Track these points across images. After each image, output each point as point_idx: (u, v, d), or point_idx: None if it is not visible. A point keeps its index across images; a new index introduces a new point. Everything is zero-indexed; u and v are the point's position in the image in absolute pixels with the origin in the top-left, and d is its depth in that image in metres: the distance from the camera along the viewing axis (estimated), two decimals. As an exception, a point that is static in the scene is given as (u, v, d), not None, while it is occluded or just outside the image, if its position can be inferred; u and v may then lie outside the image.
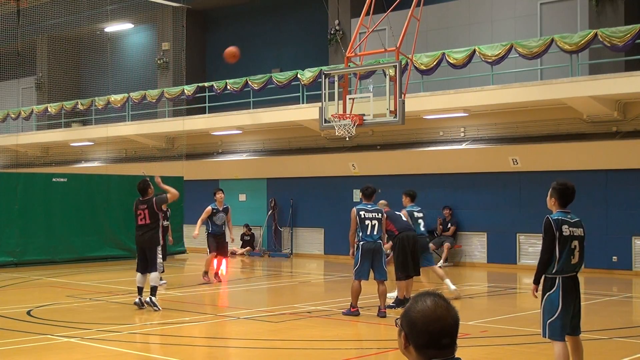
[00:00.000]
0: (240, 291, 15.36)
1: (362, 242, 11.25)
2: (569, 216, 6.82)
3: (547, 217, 6.78)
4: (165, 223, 14.74)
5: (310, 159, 21.86)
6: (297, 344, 9.76)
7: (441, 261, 18.95)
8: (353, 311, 11.32)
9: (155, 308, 11.72)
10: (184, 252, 22.80)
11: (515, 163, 18.29)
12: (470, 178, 19.41)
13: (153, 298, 11.81)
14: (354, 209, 11.38)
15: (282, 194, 22.97)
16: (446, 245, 18.98)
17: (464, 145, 19.20)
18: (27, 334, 10.03)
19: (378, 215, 11.36)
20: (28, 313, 11.56)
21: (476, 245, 19.40)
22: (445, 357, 2.70)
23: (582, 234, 6.87)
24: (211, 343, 9.87)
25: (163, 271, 12.29)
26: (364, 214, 11.26)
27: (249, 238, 23.23)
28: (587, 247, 19.22)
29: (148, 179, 12.38)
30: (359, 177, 21.24)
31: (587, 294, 14.78)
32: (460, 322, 2.76)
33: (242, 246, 23.28)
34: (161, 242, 12.14)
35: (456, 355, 2.74)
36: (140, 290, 11.91)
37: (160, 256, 12.08)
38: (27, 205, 19.30)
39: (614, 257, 17.22)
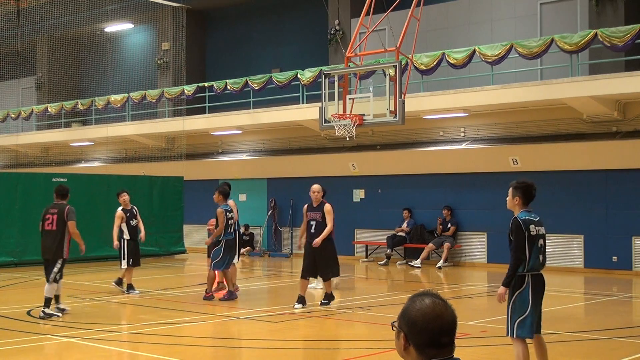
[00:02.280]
0: (240, 291, 15.35)
1: (227, 238, 12.88)
2: (532, 215, 6.94)
3: (515, 217, 6.89)
4: (134, 222, 14.17)
5: (310, 159, 21.85)
6: (297, 344, 9.76)
7: (441, 261, 18.95)
8: (208, 296, 13.07)
9: (54, 318, 11.01)
10: (183, 252, 22.81)
11: (515, 163, 18.29)
12: (470, 178, 19.41)
13: (47, 310, 11.08)
14: (221, 209, 12.94)
15: (282, 194, 22.97)
16: (446, 245, 18.98)
17: (464, 145, 19.20)
18: (27, 334, 10.03)
19: (233, 215, 13.14)
20: (28, 313, 11.55)
21: (476, 245, 19.39)
22: (444, 356, 2.70)
23: (545, 232, 7.02)
24: (211, 343, 9.86)
25: (58, 281, 11.19)
26: (229, 214, 12.99)
27: (248, 238, 23.22)
28: (587, 247, 19.14)
29: (68, 187, 11.79)
30: (359, 177, 21.25)
31: (587, 294, 14.79)
32: (459, 322, 2.76)
33: (242, 246, 23.27)
34: (65, 255, 11.16)
35: (455, 355, 2.74)
36: (56, 298, 11.32)
37: (58, 267, 11.11)
38: (27, 205, 19.28)
39: (614, 257, 17.21)
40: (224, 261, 12.97)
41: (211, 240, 13.04)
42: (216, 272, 13.24)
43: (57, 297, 11.40)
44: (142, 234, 14.42)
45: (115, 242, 13.92)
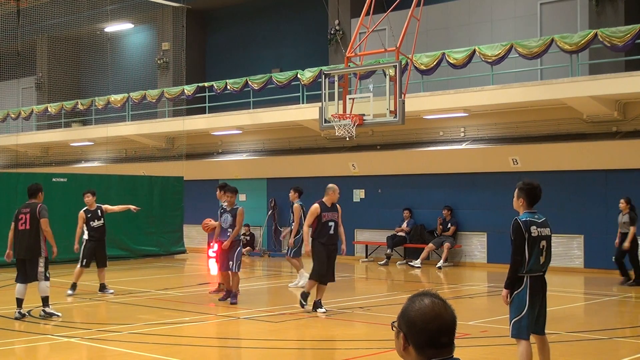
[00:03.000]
0: (240, 291, 15.34)
1: (239, 238, 12.73)
2: (536, 216, 6.90)
3: (516, 218, 6.86)
4: (96, 223, 13.85)
5: (310, 159, 21.85)
6: (297, 344, 9.76)
7: (441, 261, 18.95)
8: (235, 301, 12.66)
9: (54, 317, 11.02)
10: (184, 252, 22.81)
11: (515, 163, 18.29)
12: (470, 178, 19.40)
13: (47, 309, 11.07)
14: (242, 208, 12.82)
15: (282, 194, 22.95)
16: (446, 245, 18.98)
17: (464, 145, 19.20)
18: (27, 334, 10.03)
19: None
20: (28, 313, 11.55)
21: (476, 245, 19.39)
22: (444, 356, 2.70)
23: (549, 234, 6.97)
24: (211, 343, 9.87)
25: (49, 278, 11.18)
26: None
27: (248, 238, 23.23)
28: (587, 247, 19.00)
29: (41, 185, 11.68)
30: (359, 177, 21.25)
31: (587, 294, 14.80)
32: (458, 322, 2.76)
33: (242, 246, 23.31)
34: (44, 252, 11.11)
35: (455, 355, 2.74)
36: (19, 302, 11.04)
37: (42, 265, 11.04)
38: (27, 205, 19.25)
39: (614, 257, 17.19)
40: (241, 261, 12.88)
41: (229, 243, 12.54)
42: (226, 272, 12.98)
43: (20, 301, 11.08)
44: (132, 207, 15.20)
45: (76, 246, 13.71)
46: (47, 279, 11.11)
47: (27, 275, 11.08)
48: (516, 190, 6.99)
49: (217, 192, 13.91)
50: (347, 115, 13.65)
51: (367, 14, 14.59)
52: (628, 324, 10.90)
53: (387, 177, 20.78)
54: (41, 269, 11.05)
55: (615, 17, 17.60)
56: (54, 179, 20.23)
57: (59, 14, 26.61)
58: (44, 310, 11.11)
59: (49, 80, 30.81)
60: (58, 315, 11.09)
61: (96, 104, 26.28)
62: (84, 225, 13.85)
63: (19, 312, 11.06)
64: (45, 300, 11.10)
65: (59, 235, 19.48)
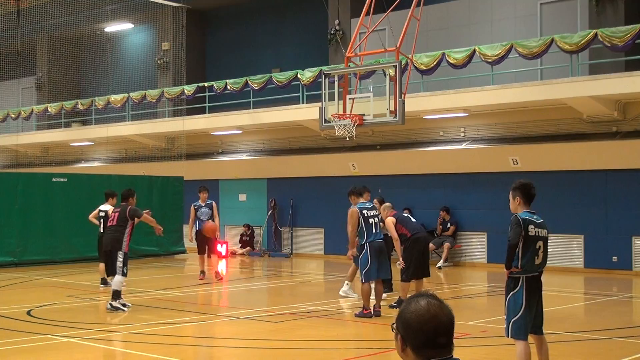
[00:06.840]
0: (240, 291, 15.35)
1: (369, 242, 11.12)
2: (535, 217, 6.91)
3: (515, 215, 6.84)
4: None
5: (310, 159, 21.85)
6: (297, 344, 9.76)
7: (441, 261, 18.95)
8: (366, 313, 11.15)
9: (120, 311, 11.57)
10: (183, 252, 22.81)
11: (515, 163, 18.29)
12: (470, 178, 19.41)
13: (114, 302, 11.64)
14: (356, 209, 11.34)
15: (282, 194, 22.98)
16: (446, 245, 18.98)
17: (464, 145, 19.20)
18: (27, 334, 10.03)
19: (377, 212, 11.48)
20: (28, 313, 11.56)
21: (476, 245, 19.39)
22: (442, 357, 2.70)
23: (547, 235, 6.96)
24: (211, 343, 9.87)
25: (125, 274, 11.82)
26: (367, 213, 11.26)
27: (248, 238, 23.23)
28: (587, 247, 19.02)
29: (133, 190, 12.42)
30: (359, 177, 21.24)
31: (587, 294, 14.80)
32: (457, 322, 2.76)
33: (242, 246, 23.30)
34: (125, 249, 11.82)
35: (455, 356, 2.75)
36: (115, 293, 11.79)
37: (121, 260, 11.73)
38: (27, 205, 19.30)
39: (614, 257, 17.21)
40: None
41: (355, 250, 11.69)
42: None
43: (118, 293, 11.73)
44: None
45: None
46: (124, 274, 11.76)
47: (111, 268, 11.93)
48: (510, 192, 6.98)
49: (203, 194, 15.47)
50: (347, 115, 13.65)
51: (367, 14, 14.58)
52: (628, 324, 10.91)
53: (387, 177, 20.77)
54: (120, 263, 11.72)
55: (615, 17, 17.60)
56: (54, 179, 20.24)
57: (59, 14, 26.60)
58: (110, 304, 11.64)
59: (49, 80, 30.80)
60: (124, 310, 11.58)
61: (96, 104, 26.28)
62: None
63: (110, 304, 11.66)
64: (115, 294, 11.66)
65: (60, 235, 19.73)
